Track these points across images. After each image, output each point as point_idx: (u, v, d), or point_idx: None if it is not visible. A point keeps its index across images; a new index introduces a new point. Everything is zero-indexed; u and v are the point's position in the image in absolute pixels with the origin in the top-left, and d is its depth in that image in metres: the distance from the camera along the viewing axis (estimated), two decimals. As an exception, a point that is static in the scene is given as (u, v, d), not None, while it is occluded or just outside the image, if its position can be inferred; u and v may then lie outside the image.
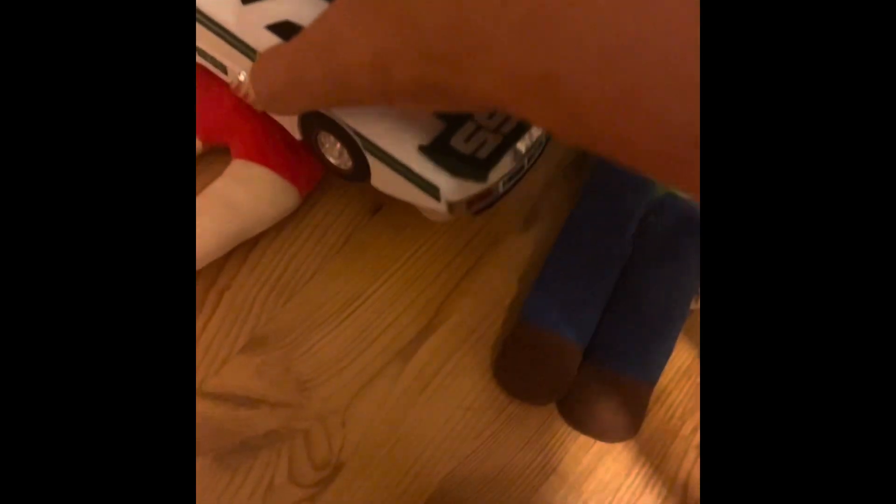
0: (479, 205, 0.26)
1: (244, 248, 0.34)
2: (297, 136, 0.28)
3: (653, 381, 0.32)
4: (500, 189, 0.27)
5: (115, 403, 0.16)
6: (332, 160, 0.28)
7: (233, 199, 0.30)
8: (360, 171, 0.27)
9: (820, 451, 0.15)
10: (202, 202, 0.30)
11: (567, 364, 0.31)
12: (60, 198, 0.16)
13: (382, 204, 0.36)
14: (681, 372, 0.35)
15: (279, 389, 0.32)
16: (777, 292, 0.15)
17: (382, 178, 0.27)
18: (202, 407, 0.31)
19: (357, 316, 0.34)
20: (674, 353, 0.33)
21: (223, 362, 0.32)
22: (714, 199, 0.15)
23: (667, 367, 0.33)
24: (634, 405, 0.31)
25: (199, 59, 0.29)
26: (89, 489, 0.15)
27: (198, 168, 0.33)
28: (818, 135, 0.14)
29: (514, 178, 0.27)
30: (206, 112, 0.31)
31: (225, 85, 0.31)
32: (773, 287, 0.15)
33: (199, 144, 0.31)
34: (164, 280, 0.17)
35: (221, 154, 0.33)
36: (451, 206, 0.25)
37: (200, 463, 0.30)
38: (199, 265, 0.30)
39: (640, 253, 0.32)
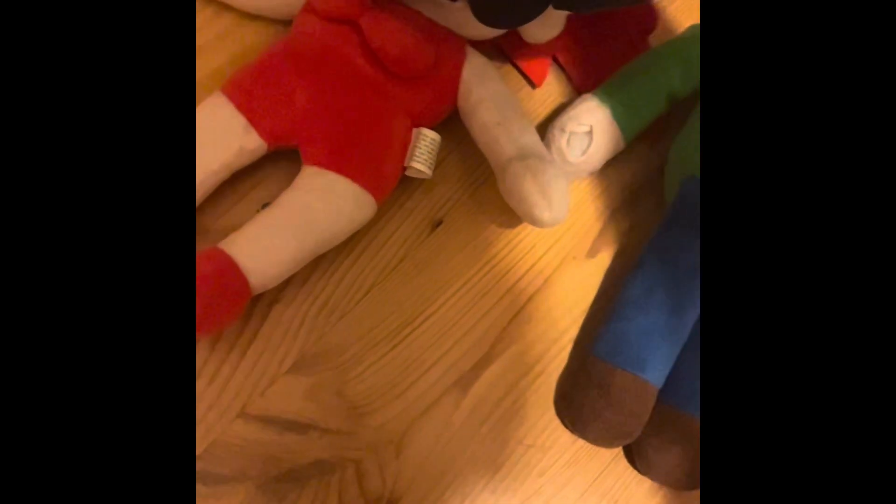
0: None
1: (297, 260, 0.31)
2: None
3: (729, 427, 0.30)
4: None
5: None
6: None
7: (311, 214, 0.27)
8: None
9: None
10: (277, 216, 0.27)
11: (641, 407, 0.29)
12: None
13: (443, 219, 0.34)
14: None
15: (330, 414, 0.30)
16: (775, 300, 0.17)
17: None
18: (246, 430, 0.29)
19: (413, 339, 0.31)
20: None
21: (270, 382, 0.30)
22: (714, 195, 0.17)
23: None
24: (710, 452, 0.29)
25: None
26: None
27: (258, 170, 0.31)
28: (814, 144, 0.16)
29: None
30: (275, 112, 0.28)
31: (298, 82, 0.28)
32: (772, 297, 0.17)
33: (264, 146, 0.28)
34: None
35: (284, 157, 0.30)
36: None
37: (243, 490, 0.28)
38: (270, 285, 0.27)
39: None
